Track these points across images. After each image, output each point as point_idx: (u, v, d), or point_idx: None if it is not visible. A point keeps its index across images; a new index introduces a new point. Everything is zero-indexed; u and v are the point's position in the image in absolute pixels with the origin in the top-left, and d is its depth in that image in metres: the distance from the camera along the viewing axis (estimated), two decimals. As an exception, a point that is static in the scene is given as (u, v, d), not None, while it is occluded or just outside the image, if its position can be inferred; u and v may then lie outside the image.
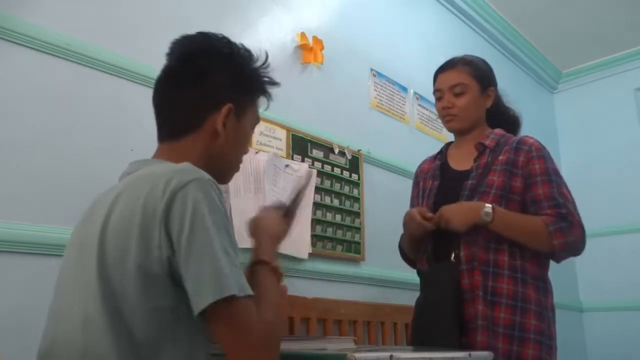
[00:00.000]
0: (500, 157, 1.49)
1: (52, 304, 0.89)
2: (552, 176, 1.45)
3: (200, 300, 0.76)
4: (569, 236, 1.38)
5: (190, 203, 0.79)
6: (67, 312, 0.83)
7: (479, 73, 1.58)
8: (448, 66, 1.60)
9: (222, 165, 1.01)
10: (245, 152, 1.06)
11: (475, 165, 1.52)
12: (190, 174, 0.83)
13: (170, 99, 0.98)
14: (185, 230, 0.78)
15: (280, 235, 1.06)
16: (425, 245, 1.55)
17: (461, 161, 1.58)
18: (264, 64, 1.03)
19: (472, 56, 1.64)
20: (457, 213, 1.42)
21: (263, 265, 0.94)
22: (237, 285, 0.78)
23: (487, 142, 1.54)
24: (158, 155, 0.98)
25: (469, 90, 1.55)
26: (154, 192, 0.81)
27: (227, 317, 0.78)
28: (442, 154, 1.67)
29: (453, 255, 1.44)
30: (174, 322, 0.80)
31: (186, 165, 0.87)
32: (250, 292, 0.80)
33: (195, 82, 0.96)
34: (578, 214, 1.43)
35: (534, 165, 1.45)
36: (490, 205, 1.39)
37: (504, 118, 1.64)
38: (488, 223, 1.39)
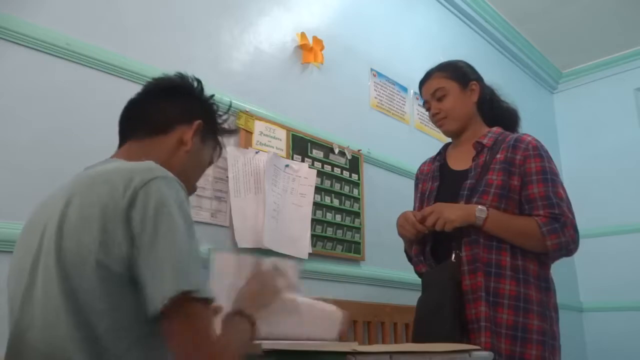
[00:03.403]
0: (498, 156, 1.49)
1: (9, 304, 0.86)
2: (548, 175, 1.44)
3: (161, 294, 0.72)
4: (562, 237, 1.39)
5: (154, 198, 0.76)
6: (26, 312, 0.80)
7: (453, 73, 1.61)
8: (426, 78, 1.65)
9: (180, 179, 0.97)
10: (198, 178, 1.08)
11: (473, 164, 1.52)
12: (154, 172, 0.80)
13: (143, 105, 1.02)
14: (149, 224, 0.75)
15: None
16: (424, 247, 1.55)
17: (460, 161, 1.58)
18: (226, 114, 1.11)
19: (447, 61, 1.67)
20: (450, 206, 1.44)
21: (239, 316, 0.90)
22: (202, 285, 0.75)
23: (484, 141, 1.54)
24: (117, 155, 0.98)
25: (448, 92, 1.58)
26: (113, 192, 0.77)
27: (187, 315, 0.74)
28: (441, 154, 1.67)
29: (454, 255, 1.44)
30: (135, 324, 0.76)
31: (149, 163, 0.84)
32: (211, 295, 0.77)
33: (170, 96, 1.01)
34: (572, 214, 1.43)
35: (530, 163, 1.46)
36: (483, 206, 1.40)
37: (500, 113, 1.65)
38: (483, 220, 1.39)
